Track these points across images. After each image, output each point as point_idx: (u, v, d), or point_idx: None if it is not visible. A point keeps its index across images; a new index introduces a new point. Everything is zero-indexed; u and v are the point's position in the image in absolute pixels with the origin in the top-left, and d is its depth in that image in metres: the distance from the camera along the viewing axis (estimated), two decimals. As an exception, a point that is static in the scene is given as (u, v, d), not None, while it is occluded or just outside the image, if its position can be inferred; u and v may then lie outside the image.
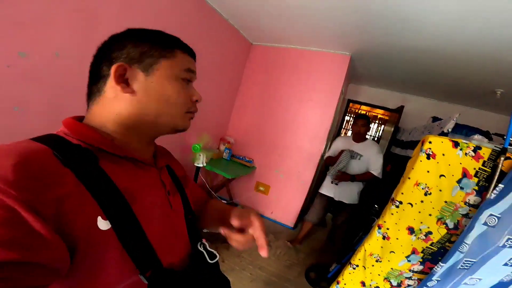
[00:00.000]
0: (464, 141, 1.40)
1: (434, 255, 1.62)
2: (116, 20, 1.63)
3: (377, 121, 5.34)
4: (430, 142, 1.41)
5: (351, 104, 4.12)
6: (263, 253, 0.56)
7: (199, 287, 0.57)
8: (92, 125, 0.46)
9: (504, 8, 1.45)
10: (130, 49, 0.46)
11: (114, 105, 0.46)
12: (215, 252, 0.66)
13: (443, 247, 1.58)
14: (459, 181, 1.42)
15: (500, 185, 1.29)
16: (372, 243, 1.72)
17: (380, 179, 2.50)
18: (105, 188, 0.40)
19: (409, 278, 1.74)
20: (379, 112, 5.08)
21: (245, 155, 3.27)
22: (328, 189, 2.63)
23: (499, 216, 1.33)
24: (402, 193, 1.53)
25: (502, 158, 1.32)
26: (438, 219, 1.53)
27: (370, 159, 2.44)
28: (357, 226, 2.76)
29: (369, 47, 2.49)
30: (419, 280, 1.72)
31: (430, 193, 1.48)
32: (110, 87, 0.45)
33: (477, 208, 1.40)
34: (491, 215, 1.34)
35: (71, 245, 0.35)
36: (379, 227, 1.67)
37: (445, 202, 1.48)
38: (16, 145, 0.37)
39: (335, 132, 3.92)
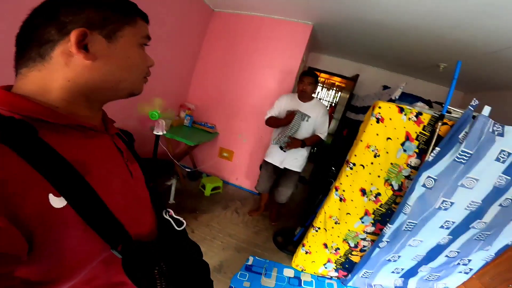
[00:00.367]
0: (408, 107, 1.56)
1: (383, 217, 1.84)
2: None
3: (334, 88, 5.58)
4: (379, 107, 1.54)
5: (310, 71, 4.21)
6: None
7: (172, 255, 0.57)
8: (25, 94, 0.41)
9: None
10: (90, 14, 0.42)
11: (64, 72, 0.42)
12: (181, 219, 0.66)
13: (390, 208, 1.80)
14: (403, 144, 1.60)
15: (437, 148, 1.50)
16: (331, 205, 1.87)
17: (338, 142, 2.65)
18: (51, 162, 0.37)
19: (364, 239, 1.97)
20: (336, 80, 5.29)
21: (207, 121, 3.23)
22: (273, 156, 2.41)
23: (436, 178, 1.55)
24: (355, 155, 1.68)
25: (440, 123, 1.50)
26: (385, 181, 1.73)
27: (317, 121, 2.25)
28: (316, 189, 2.96)
29: (330, 18, 2.52)
30: (372, 241, 1.95)
31: (378, 155, 1.65)
32: (62, 53, 0.41)
33: (417, 170, 1.62)
34: (429, 177, 1.56)
35: (26, 229, 0.33)
36: (336, 189, 1.82)
37: (391, 164, 1.67)
38: None
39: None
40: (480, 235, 1.89)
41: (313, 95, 2.31)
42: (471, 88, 3.50)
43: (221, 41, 3.08)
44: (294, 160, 2.37)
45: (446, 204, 1.63)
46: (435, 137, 1.50)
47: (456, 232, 1.83)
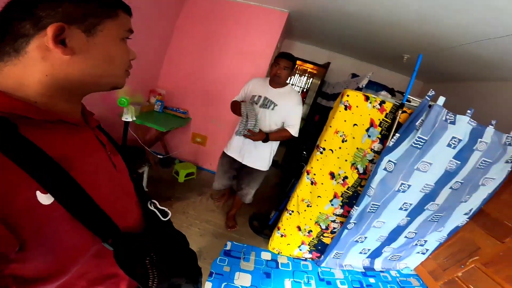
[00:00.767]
0: (373, 95, 1.66)
1: (350, 199, 1.97)
2: None
3: (307, 74, 5.69)
4: (348, 95, 1.64)
5: (283, 58, 4.26)
6: None
7: (161, 245, 0.58)
8: (2, 90, 0.41)
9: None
10: (68, 8, 0.40)
11: (41, 66, 0.41)
12: (166, 209, 0.68)
13: (356, 191, 1.94)
14: (367, 130, 1.72)
15: (397, 134, 1.63)
16: (303, 188, 1.96)
17: (309, 127, 2.66)
18: (34, 158, 0.37)
19: (334, 221, 2.09)
20: (309, 67, 5.38)
21: (179, 106, 3.17)
22: (233, 148, 2.09)
23: (395, 162, 1.69)
24: (325, 140, 1.77)
25: (400, 112, 1.63)
26: (352, 164, 1.85)
27: (288, 112, 1.89)
28: (288, 172, 3.04)
29: (306, 7, 2.54)
30: (341, 223, 2.08)
31: (346, 140, 1.76)
32: (38, 47, 0.39)
33: (379, 154, 1.75)
34: (389, 161, 1.69)
35: (17, 228, 0.33)
36: (308, 173, 1.91)
37: (357, 148, 1.79)
38: None
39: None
40: (434, 217, 2.10)
41: (286, 81, 1.97)
42: (430, 78, 3.77)
43: (194, 26, 3.00)
44: (258, 158, 2.04)
45: (404, 186, 1.79)
46: (395, 124, 1.63)
47: (413, 213, 2.02)
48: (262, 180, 2.18)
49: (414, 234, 2.21)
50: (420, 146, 1.62)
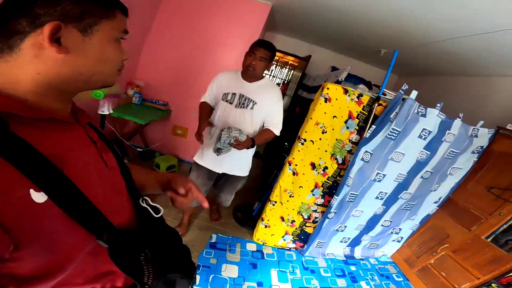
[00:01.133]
0: (352, 89, 1.76)
1: (330, 189, 2.08)
2: None
3: (288, 66, 5.77)
4: (328, 88, 1.72)
5: (265, 50, 4.29)
6: (205, 204, 0.74)
7: (155, 241, 0.59)
8: None
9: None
10: (66, 7, 0.41)
11: (34, 64, 0.41)
12: (158, 206, 0.68)
13: (336, 180, 2.05)
14: (346, 122, 1.82)
15: (373, 126, 1.73)
16: (285, 179, 2.04)
17: (290, 119, 2.65)
18: (27, 156, 0.37)
19: (315, 211, 2.19)
20: (290, 59, 5.45)
21: (158, 98, 3.14)
22: (207, 158, 1.79)
23: (372, 152, 1.81)
24: (306, 132, 1.86)
25: (376, 104, 1.74)
26: (332, 155, 1.95)
27: (270, 110, 1.69)
28: (271, 163, 3.09)
29: (290, 0, 2.59)
30: (323, 212, 2.19)
31: (326, 132, 1.85)
32: (32, 45, 0.40)
33: (357, 145, 1.85)
34: (366, 151, 1.81)
35: (12, 227, 0.34)
36: (290, 164, 2.00)
37: (336, 139, 1.89)
38: None
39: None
40: (407, 205, 2.26)
41: (263, 74, 1.73)
42: (404, 72, 3.99)
43: (176, 16, 2.96)
44: (238, 164, 1.83)
45: (379, 176, 1.92)
46: (372, 116, 1.74)
47: (388, 202, 2.17)
48: (242, 184, 2.02)
49: (390, 222, 2.37)
50: (394, 138, 1.74)
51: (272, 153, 3.28)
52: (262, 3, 2.83)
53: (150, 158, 3.18)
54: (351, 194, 1.98)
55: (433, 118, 1.75)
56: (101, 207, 0.47)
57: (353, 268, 2.45)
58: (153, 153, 3.28)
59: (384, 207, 2.19)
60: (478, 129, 1.93)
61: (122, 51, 0.52)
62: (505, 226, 2.02)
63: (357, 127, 1.84)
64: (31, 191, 0.37)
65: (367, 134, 1.74)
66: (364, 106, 1.77)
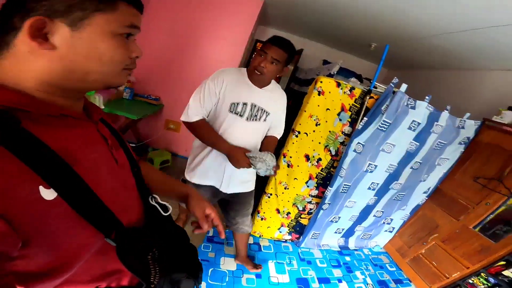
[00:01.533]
0: (344, 82, 1.87)
1: (324, 180, 2.20)
2: None
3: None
4: (321, 82, 1.82)
5: (258, 44, 4.36)
6: (222, 236, 0.77)
7: (163, 240, 0.60)
8: (1, 83, 0.41)
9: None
10: (54, 1, 0.40)
11: (30, 61, 0.41)
12: (167, 204, 0.69)
13: (329, 172, 2.16)
14: (338, 114, 1.93)
15: (365, 118, 1.84)
16: (280, 171, 2.12)
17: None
18: (38, 153, 0.37)
19: (310, 202, 2.31)
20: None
21: (150, 93, 3.18)
22: (212, 176, 1.50)
23: (364, 144, 1.93)
24: (300, 124, 1.96)
25: (368, 97, 1.84)
26: (325, 147, 2.06)
27: (278, 119, 1.53)
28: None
29: None
30: (317, 204, 2.30)
31: (319, 124, 1.95)
32: (22, 41, 0.40)
33: (350, 137, 1.96)
34: (358, 143, 1.92)
35: (20, 224, 0.34)
36: (284, 156, 2.09)
37: (329, 131, 2.00)
38: None
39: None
40: (397, 196, 2.40)
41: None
42: (394, 66, 4.15)
43: (167, 10, 2.99)
44: (245, 178, 1.58)
45: (371, 167, 2.04)
46: (363, 109, 1.85)
47: (380, 192, 2.30)
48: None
49: (382, 213, 2.51)
50: (385, 129, 1.86)
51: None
52: (255, -4, 2.89)
53: (143, 153, 3.23)
54: (345, 185, 2.09)
55: (422, 110, 1.87)
56: (110, 204, 0.48)
57: (347, 258, 2.59)
58: (146, 148, 3.33)
59: (376, 197, 2.32)
60: (465, 121, 2.07)
61: (129, 48, 0.49)
62: (492, 216, 2.14)
63: (349, 119, 1.95)
64: (41, 188, 0.37)
65: (359, 126, 1.85)
66: (356, 99, 1.88)
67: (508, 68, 2.44)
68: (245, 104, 1.36)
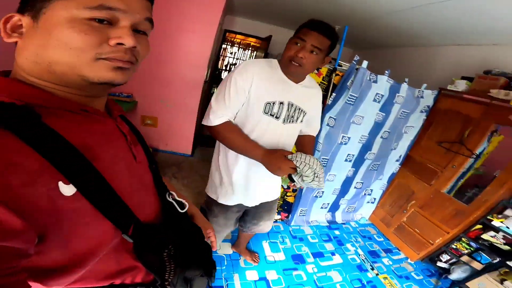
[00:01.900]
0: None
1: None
2: None
3: (250, 48, 6.03)
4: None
5: (227, 34, 4.53)
6: (214, 248, 0.82)
7: (179, 237, 0.62)
8: (20, 79, 0.44)
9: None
10: None
11: (18, 57, 0.45)
12: (183, 201, 0.72)
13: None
14: (309, 92, 2.16)
15: (333, 94, 2.09)
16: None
17: None
18: (58, 148, 0.39)
19: None
20: (252, 40, 5.72)
21: (121, 91, 3.26)
22: (236, 193, 1.37)
23: (335, 117, 2.19)
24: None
25: (334, 75, 2.09)
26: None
27: (314, 116, 1.43)
28: None
29: None
30: None
31: (293, 104, 2.17)
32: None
33: (322, 112, 2.20)
34: (330, 117, 2.17)
35: (38, 220, 0.35)
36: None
37: (303, 109, 2.22)
38: None
39: (214, 60, 4.33)
40: (373, 166, 2.70)
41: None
42: (359, 47, 4.52)
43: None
44: (271, 186, 1.48)
45: (345, 139, 2.31)
46: (331, 85, 2.11)
47: (357, 163, 2.60)
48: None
49: (361, 184, 2.81)
50: (353, 103, 2.13)
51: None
52: (219, -14, 3.05)
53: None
54: (323, 158, 2.35)
55: (383, 83, 2.16)
56: (128, 201, 0.49)
57: (337, 232, 2.85)
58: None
59: (354, 169, 2.62)
60: (423, 91, 2.40)
61: (103, 34, 0.43)
62: (462, 180, 2.44)
63: (320, 96, 2.19)
64: (60, 183, 0.38)
65: (329, 101, 2.11)
66: (323, 77, 2.13)
67: (459, 43, 2.81)
68: (281, 103, 1.21)
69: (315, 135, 1.51)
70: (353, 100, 2.12)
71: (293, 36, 1.16)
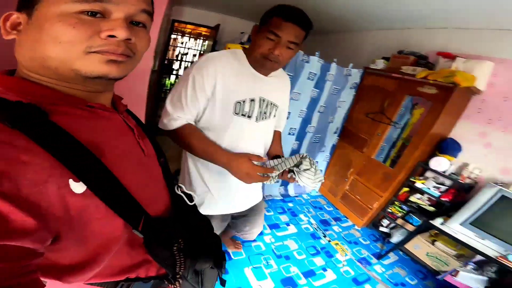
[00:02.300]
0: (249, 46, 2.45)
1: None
2: None
3: (202, 37, 6.22)
4: (229, 48, 2.39)
5: (176, 24, 4.73)
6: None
7: (188, 231, 0.63)
8: (24, 77, 0.46)
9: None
10: None
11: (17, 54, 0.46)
12: (192, 193, 0.74)
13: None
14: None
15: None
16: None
17: None
18: (66, 146, 0.40)
19: None
20: (202, 30, 5.93)
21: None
22: (221, 203, 1.31)
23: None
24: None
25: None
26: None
27: (285, 107, 1.43)
28: None
29: None
30: None
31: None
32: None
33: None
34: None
35: (51, 220, 0.36)
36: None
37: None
38: None
39: (162, 49, 4.49)
40: (315, 138, 3.12)
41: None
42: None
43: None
44: (254, 189, 1.43)
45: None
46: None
47: (300, 137, 3.00)
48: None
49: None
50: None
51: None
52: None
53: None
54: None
55: (315, 63, 2.59)
56: (137, 196, 0.50)
57: (290, 204, 3.15)
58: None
59: (298, 142, 3.03)
60: (350, 70, 2.89)
61: (93, 26, 0.43)
62: (394, 149, 2.86)
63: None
64: (70, 181, 0.39)
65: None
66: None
67: (381, 28, 3.38)
68: (252, 100, 1.14)
69: (282, 131, 1.47)
70: (290, 78, 2.49)
71: (263, 27, 1.03)
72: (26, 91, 0.43)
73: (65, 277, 0.42)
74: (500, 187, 1.92)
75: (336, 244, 2.64)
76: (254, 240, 2.42)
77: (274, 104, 1.23)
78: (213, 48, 4.45)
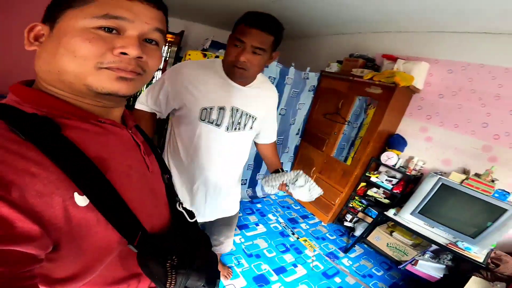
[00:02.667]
0: (211, 53, 2.66)
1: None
2: None
3: (167, 44, 6.33)
4: (189, 55, 2.59)
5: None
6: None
7: (183, 248, 0.63)
8: (42, 89, 0.48)
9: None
10: (49, 5, 0.47)
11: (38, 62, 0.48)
12: (193, 210, 0.76)
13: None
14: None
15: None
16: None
17: None
18: (74, 160, 0.42)
19: None
20: (169, 36, 6.06)
21: (4, 92, 3.24)
22: (198, 212, 1.35)
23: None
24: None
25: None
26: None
27: (268, 120, 1.38)
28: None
29: None
30: None
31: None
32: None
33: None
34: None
35: (54, 229, 0.39)
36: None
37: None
38: None
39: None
40: (278, 140, 3.28)
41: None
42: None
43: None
44: (230, 201, 1.48)
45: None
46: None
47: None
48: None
49: (271, 158, 3.42)
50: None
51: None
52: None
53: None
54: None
55: (273, 68, 2.79)
56: (137, 211, 0.52)
57: (259, 205, 3.28)
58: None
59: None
60: (308, 73, 3.13)
61: (107, 43, 0.44)
62: (353, 148, 3.01)
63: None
64: (75, 194, 0.41)
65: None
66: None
67: (336, 33, 3.69)
68: (221, 109, 1.16)
69: (274, 140, 1.50)
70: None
71: (231, 35, 1.09)
72: (42, 104, 0.45)
73: (56, 286, 0.44)
74: (440, 176, 2.17)
75: (305, 240, 2.78)
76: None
77: (250, 116, 1.23)
78: (177, 54, 4.60)
